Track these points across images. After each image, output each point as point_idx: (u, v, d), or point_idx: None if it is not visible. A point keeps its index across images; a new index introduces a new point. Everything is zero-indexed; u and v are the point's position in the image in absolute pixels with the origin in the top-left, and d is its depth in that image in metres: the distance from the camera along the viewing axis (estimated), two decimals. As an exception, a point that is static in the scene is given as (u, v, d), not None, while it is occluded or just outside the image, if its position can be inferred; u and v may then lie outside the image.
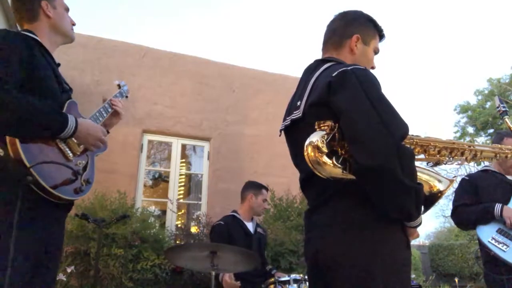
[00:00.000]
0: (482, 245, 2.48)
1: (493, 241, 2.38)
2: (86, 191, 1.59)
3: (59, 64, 1.69)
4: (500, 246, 2.34)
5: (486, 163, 2.77)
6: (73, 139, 1.55)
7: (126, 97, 2.10)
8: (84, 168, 1.62)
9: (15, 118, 1.33)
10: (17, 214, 1.27)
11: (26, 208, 1.32)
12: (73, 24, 1.79)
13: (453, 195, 2.79)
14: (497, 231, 2.41)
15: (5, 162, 1.33)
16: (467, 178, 2.79)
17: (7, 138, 1.34)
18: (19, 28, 1.72)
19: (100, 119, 1.80)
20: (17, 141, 1.34)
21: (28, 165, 1.32)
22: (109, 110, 1.88)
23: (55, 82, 1.57)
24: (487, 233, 2.43)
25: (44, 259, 1.45)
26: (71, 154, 1.55)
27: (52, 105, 1.50)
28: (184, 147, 5.95)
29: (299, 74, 1.51)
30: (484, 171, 2.77)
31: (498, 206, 2.44)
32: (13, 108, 1.31)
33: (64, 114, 1.48)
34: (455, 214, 2.69)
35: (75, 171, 1.51)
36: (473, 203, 2.60)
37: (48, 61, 1.58)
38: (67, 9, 1.77)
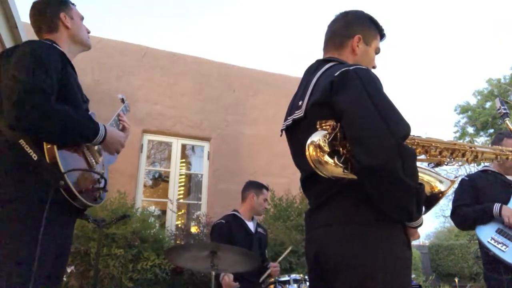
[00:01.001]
0: (481, 245, 2.47)
1: (492, 241, 2.37)
2: (103, 199, 1.67)
3: (76, 73, 1.74)
4: (499, 246, 2.33)
5: (487, 163, 2.76)
6: (95, 148, 1.66)
7: (128, 110, 2.19)
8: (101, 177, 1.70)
9: (57, 128, 1.41)
10: (45, 214, 1.33)
11: (53, 210, 1.38)
12: (88, 32, 1.85)
13: (453, 196, 2.79)
14: (496, 231, 2.41)
15: (38, 165, 1.40)
16: (466, 178, 2.78)
17: (46, 146, 1.41)
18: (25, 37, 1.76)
19: None
20: (55, 148, 1.42)
21: (63, 170, 1.41)
22: (119, 123, 1.97)
23: (78, 92, 1.64)
24: (487, 233, 2.43)
25: (60, 259, 1.52)
26: (94, 163, 1.65)
27: (86, 114, 1.60)
28: (184, 147, 5.95)
29: (299, 74, 1.51)
30: (483, 171, 2.76)
31: (497, 206, 2.43)
32: (56, 119, 1.40)
33: (96, 122, 1.57)
34: (454, 215, 2.68)
35: (104, 178, 1.61)
36: (473, 204, 2.59)
37: (72, 72, 1.64)
38: (82, 18, 1.83)
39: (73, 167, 1.47)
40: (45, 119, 1.37)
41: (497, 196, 2.52)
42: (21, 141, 1.40)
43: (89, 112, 1.72)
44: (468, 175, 2.84)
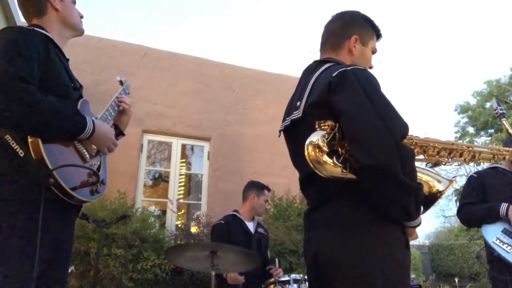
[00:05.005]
0: (486, 245, 2.44)
1: (497, 241, 2.33)
2: (101, 192, 1.56)
3: (68, 60, 1.64)
4: (504, 246, 2.29)
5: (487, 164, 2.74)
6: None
7: (128, 93, 2.05)
8: (98, 169, 1.60)
9: (40, 120, 1.31)
10: (41, 215, 1.27)
11: (48, 210, 1.31)
12: (81, 17, 1.74)
13: (455, 193, 2.76)
14: (502, 231, 2.37)
15: (25, 163, 1.30)
16: (475, 175, 2.72)
17: (29, 139, 1.31)
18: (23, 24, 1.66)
19: (110, 118, 1.77)
20: (39, 142, 1.31)
21: (50, 167, 1.30)
22: (116, 108, 1.85)
23: (68, 80, 1.53)
24: (492, 233, 2.39)
25: (57, 259, 1.44)
26: (87, 155, 1.53)
27: (72, 106, 1.49)
28: (184, 147, 5.95)
29: (299, 74, 1.51)
30: (493, 168, 2.70)
31: (504, 206, 2.39)
32: (38, 110, 1.29)
33: (83, 116, 1.46)
34: (461, 212, 2.64)
35: (95, 173, 1.48)
36: (480, 201, 2.55)
37: (60, 58, 1.54)
38: (74, 1, 1.72)
39: (62, 162, 1.35)
40: (26, 109, 1.27)
41: (506, 195, 2.48)
42: (7, 137, 1.30)
43: (82, 99, 1.60)
44: (477, 172, 2.78)
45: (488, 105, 18.93)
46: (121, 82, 2.06)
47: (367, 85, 1.18)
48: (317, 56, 1.52)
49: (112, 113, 1.81)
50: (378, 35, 1.54)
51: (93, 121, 1.49)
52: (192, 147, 6.49)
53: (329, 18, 1.54)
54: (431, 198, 1.29)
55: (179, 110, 5.57)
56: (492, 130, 18.30)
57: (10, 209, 1.30)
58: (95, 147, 1.59)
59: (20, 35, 1.40)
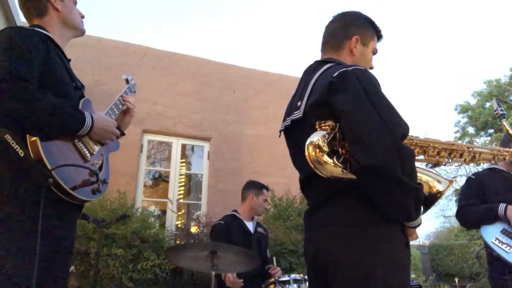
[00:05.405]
0: (486, 245, 2.45)
1: (496, 242, 2.34)
2: (103, 192, 1.57)
3: (69, 60, 1.65)
4: (503, 247, 2.30)
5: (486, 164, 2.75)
6: (87, 137, 1.54)
7: (134, 92, 2.05)
8: (100, 168, 1.61)
9: (39, 118, 1.33)
10: (41, 215, 1.27)
11: (49, 209, 1.32)
12: (82, 17, 1.75)
13: (455, 193, 2.78)
14: (501, 232, 2.38)
15: (25, 163, 1.31)
16: (473, 176, 2.74)
17: (28, 139, 1.33)
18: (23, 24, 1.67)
19: (113, 117, 1.77)
20: (38, 142, 1.32)
21: (49, 167, 1.31)
22: (120, 107, 1.85)
23: (69, 79, 1.55)
24: (491, 233, 2.40)
25: (59, 258, 1.44)
26: (88, 154, 1.53)
27: (71, 104, 1.49)
28: (184, 147, 5.95)
29: (299, 74, 1.51)
30: (491, 169, 2.71)
31: (502, 206, 2.40)
32: (36, 109, 1.31)
33: (81, 112, 1.47)
34: (459, 214, 2.65)
35: (95, 173, 1.48)
36: (479, 203, 2.56)
37: (61, 58, 1.56)
38: (74, 2, 1.72)
39: (62, 161, 1.36)
40: (25, 108, 1.28)
41: (504, 195, 2.49)
42: (7, 137, 1.31)
43: (84, 99, 1.61)
44: (475, 173, 2.79)
45: (488, 105, 18.91)
46: (126, 81, 2.06)
47: (367, 86, 1.18)
48: (318, 56, 1.52)
49: (116, 112, 1.81)
50: (379, 36, 1.54)
51: (91, 116, 1.50)
52: (192, 147, 6.49)
53: (330, 18, 1.54)
54: (431, 199, 1.29)
55: (179, 110, 5.57)
56: (492, 130, 18.29)
57: (11, 209, 1.31)
58: (95, 146, 1.59)
59: (20, 35, 1.41)
